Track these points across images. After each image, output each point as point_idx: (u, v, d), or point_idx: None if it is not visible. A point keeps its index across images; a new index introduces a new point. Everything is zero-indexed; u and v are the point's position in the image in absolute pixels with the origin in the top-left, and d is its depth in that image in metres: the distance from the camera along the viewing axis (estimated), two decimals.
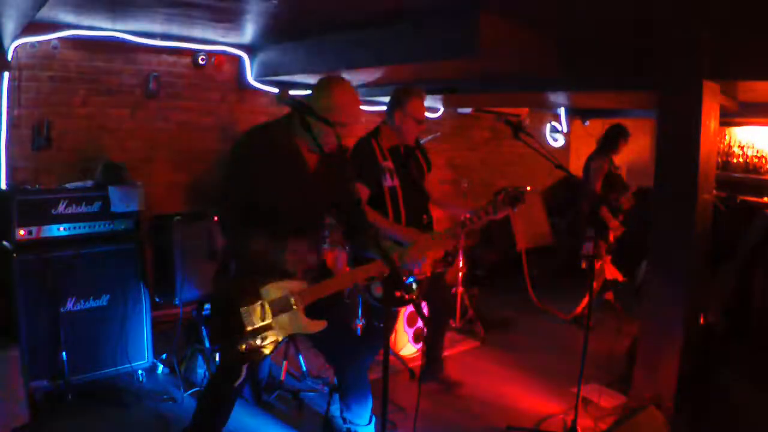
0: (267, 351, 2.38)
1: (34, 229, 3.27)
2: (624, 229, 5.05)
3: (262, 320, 2.34)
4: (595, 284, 5.17)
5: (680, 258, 3.43)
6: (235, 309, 2.34)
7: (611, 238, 5.00)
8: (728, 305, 4.90)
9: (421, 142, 5.15)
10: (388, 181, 3.10)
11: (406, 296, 3.06)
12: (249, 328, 2.32)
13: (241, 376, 2.52)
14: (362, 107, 2.43)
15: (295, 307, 2.37)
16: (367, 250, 2.64)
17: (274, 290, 2.36)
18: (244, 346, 2.33)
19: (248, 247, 2.35)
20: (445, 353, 4.04)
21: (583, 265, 5.28)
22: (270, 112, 5.39)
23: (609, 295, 5.58)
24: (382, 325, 3.09)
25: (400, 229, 3.03)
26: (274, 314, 2.35)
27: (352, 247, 2.61)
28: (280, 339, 2.39)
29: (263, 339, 2.35)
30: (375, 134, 3.19)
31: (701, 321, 4.02)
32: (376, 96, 5.81)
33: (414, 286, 3.08)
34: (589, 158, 5.32)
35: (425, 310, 3.62)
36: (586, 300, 5.28)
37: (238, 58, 5.08)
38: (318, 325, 2.44)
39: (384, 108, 6.40)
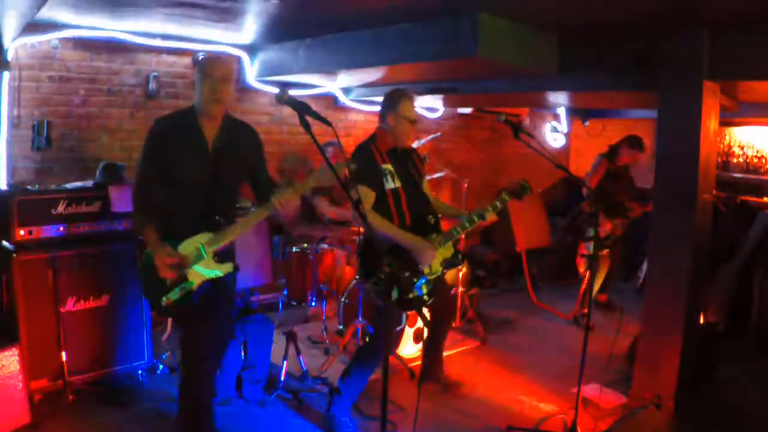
0: (186, 299, 2.63)
1: (34, 229, 3.27)
2: (611, 225, 5.04)
3: (177, 273, 2.60)
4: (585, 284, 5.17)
5: (680, 258, 3.43)
6: (153, 269, 2.60)
7: (601, 233, 4.97)
8: (728, 305, 4.90)
9: (422, 142, 5.19)
10: (390, 184, 3.11)
11: (421, 298, 3.07)
12: (167, 283, 2.60)
13: (168, 330, 2.81)
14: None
15: (206, 255, 2.64)
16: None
17: (186, 245, 2.63)
18: (168, 300, 2.60)
19: (161, 216, 2.66)
20: (445, 353, 4.04)
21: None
22: (270, 111, 5.40)
23: (603, 298, 5.56)
24: (398, 328, 3.09)
25: (405, 236, 3.03)
26: (189, 266, 2.62)
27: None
28: (196, 288, 2.63)
29: (182, 291, 2.61)
30: (373, 139, 3.20)
31: (701, 321, 4.02)
32: (376, 96, 5.82)
33: (425, 287, 3.08)
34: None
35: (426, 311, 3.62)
36: (579, 299, 5.27)
37: (238, 58, 5.08)
38: (226, 267, 2.71)
39: None
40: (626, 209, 5.09)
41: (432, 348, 3.79)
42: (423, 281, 3.05)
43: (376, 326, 3.28)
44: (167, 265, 2.57)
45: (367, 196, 3.02)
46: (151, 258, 2.62)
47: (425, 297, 3.08)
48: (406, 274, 3.00)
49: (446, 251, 3.18)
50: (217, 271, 2.69)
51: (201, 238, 2.65)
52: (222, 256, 2.71)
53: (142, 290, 2.85)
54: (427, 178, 3.51)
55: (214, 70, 2.64)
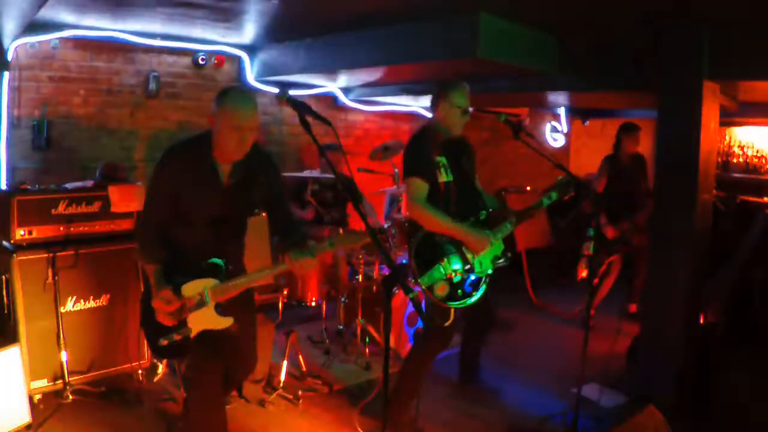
0: (189, 347, 2.45)
1: (34, 229, 3.27)
2: (618, 233, 4.94)
3: (177, 317, 2.42)
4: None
5: (680, 258, 3.43)
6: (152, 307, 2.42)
7: (610, 236, 4.89)
8: (728, 305, 4.90)
9: None
10: (443, 177, 3.07)
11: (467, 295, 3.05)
12: (165, 325, 2.42)
13: (159, 373, 2.57)
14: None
15: (208, 302, 2.43)
16: (294, 248, 2.54)
17: (190, 288, 2.43)
18: (165, 342, 2.43)
19: (168, 253, 2.47)
20: (445, 353, 4.03)
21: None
22: (270, 112, 5.40)
23: (633, 308, 5.30)
24: (446, 324, 3.06)
25: (458, 227, 3.00)
26: (190, 310, 2.42)
27: (286, 243, 2.56)
28: (193, 335, 2.44)
29: (181, 335, 2.43)
30: (425, 131, 3.17)
31: (701, 321, 4.02)
32: (376, 96, 5.82)
33: (473, 286, 3.05)
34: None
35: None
36: (597, 300, 5.20)
37: (238, 58, 5.08)
38: (226, 322, 2.47)
39: (384, 108, 6.40)
40: (630, 217, 4.97)
41: (467, 354, 3.74)
42: (473, 279, 3.03)
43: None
44: (165, 313, 2.39)
45: (421, 188, 3.00)
46: (148, 291, 2.47)
47: (473, 295, 3.04)
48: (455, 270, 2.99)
49: (496, 249, 3.15)
50: (215, 324, 2.46)
51: (206, 283, 2.44)
52: (224, 309, 2.48)
53: (140, 323, 2.63)
54: None
55: (244, 120, 2.35)
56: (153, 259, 2.45)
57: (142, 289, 2.61)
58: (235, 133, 2.35)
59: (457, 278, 2.98)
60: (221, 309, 2.47)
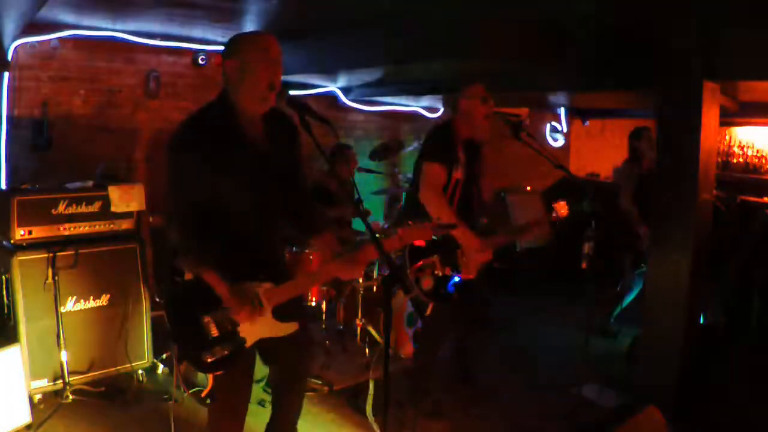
0: (237, 360, 2.15)
1: (33, 228, 3.27)
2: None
3: (227, 327, 2.12)
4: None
5: (680, 258, 3.43)
6: (192, 316, 2.10)
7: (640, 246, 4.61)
8: (728, 305, 4.90)
9: (420, 143, 5.18)
10: (456, 173, 3.12)
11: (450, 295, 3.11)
12: (211, 337, 2.09)
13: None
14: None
15: (262, 308, 2.13)
16: (311, 235, 2.37)
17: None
18: (210, 357, 2.09)
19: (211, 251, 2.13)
20: (444, 353, 4.03)
21: (584, 266, 5.22)
22: None
23: None
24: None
25: (460, 228, 3.02)
26: (241, 319, 2.13)
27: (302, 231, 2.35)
28: (249, 345, 2.16)
29: (231, 347, 2.12)
30: (451, 124, 3.22)
31: (701, 321, 4.02)
32: (376, 96, 5.81)
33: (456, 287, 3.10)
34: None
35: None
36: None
37: None
38: (288, 327, 2.21)
39: (384, 108, 6.39)
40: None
41: (459, 354, 3.74)
42: (457, 280, 3.08)
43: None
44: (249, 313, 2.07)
45: (439, 174, 3.05)
46: (182, 299, 2.16)
47: (454, 296, 3.10)
48: (446, 271, 3.05)
49: (483, 256, 3.19)
50: (276, 331, 2.18)
51: (256, 287, 2.13)
52: (284, 313, 2.18)
53: (173, 340, 2.22)
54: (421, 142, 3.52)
55: (277, 52, 2.14)
56: (209, 259, 2.06)
57: (156, 297, 2.45)
58: (270, 70, 2.12)
59: (442, 276, 3.05)
60: (279, 314, 2.18)
